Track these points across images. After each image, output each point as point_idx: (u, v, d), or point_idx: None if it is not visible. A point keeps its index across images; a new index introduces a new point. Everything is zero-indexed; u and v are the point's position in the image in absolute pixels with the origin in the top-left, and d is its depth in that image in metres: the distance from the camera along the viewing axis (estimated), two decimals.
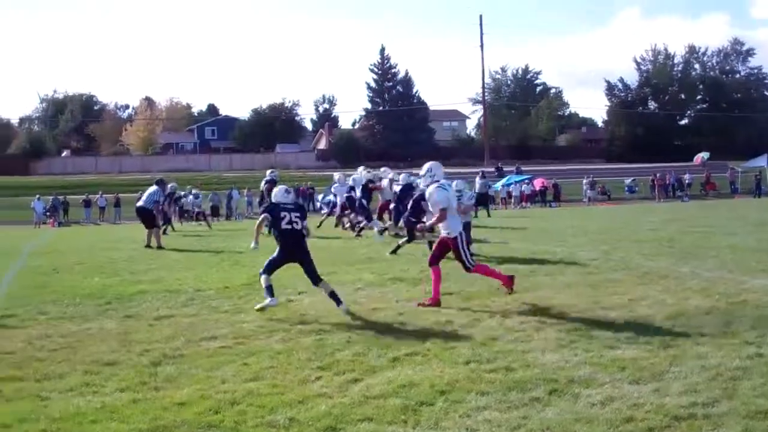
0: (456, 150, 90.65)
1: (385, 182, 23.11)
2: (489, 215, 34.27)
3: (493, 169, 56.55)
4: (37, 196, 46.96)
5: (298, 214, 10.24)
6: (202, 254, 18.84)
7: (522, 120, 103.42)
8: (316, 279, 10.02)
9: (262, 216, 10.65)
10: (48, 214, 46.54)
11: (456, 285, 11.56)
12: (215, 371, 6.98)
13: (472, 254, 10.73)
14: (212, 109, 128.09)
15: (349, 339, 8.16)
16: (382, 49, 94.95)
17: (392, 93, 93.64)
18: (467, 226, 15.68)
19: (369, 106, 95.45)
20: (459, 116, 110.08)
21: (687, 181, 54.39)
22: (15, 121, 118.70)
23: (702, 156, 57.11)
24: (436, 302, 10.06)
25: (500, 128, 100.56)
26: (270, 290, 10.00)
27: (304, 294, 11.18)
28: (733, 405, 5.48)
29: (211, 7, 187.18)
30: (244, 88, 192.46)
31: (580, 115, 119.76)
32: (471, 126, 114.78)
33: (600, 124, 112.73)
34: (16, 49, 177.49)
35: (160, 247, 20.48)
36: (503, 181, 51.34)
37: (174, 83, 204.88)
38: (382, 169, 26.05)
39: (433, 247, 10.88)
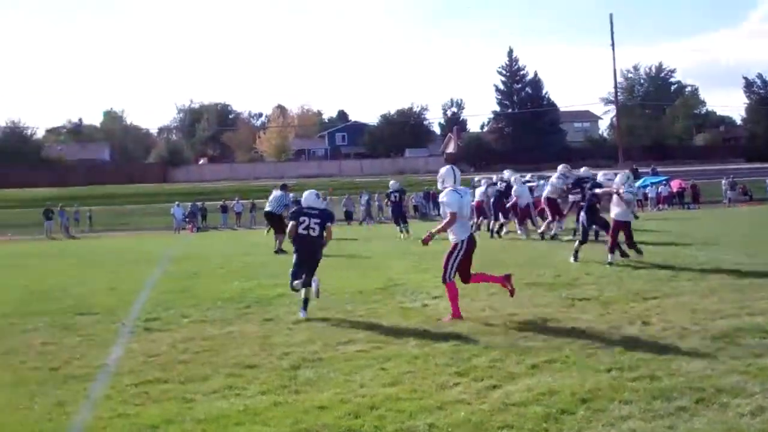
0: (588, 151, 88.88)
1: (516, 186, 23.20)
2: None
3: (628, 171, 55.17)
4: (177, 202, 48.70)
5: (318, 221, 10.31)
6: (336, 259, 19.04)
7: (657, 119, 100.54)
8: (307, 281, 10.29)
9: (291, 223, 10.78)
10: (187, 219, 48.19)
11: (594, 290, 11.31)
12: (353, 375, 7.01)
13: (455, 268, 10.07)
14: (342, 116, 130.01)
15: (487, 345, 8.06)
16: (510, 51, 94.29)
17: (521, 95, 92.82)
18: (628, 225, 15.20)
19: (497, 108, 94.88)
20: (591, 117, 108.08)
21: None
22: (154, 131, 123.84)
23: None
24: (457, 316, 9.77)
25: (634, 128, 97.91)
26: (305, 303, 10.23)
27: (438, 299, 11.15)
28: None
29: (339, 14, 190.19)
30: (372, 94, 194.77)
31: (718, 114, 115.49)
32: (603, 126, 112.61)
33: (739, 122, 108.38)
34: (154, 61, 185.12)
35: (281, 251, 20.79)
36: (639, 182, 50.01)
37: (305, 91, 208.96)
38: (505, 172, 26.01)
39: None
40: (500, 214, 23.80)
